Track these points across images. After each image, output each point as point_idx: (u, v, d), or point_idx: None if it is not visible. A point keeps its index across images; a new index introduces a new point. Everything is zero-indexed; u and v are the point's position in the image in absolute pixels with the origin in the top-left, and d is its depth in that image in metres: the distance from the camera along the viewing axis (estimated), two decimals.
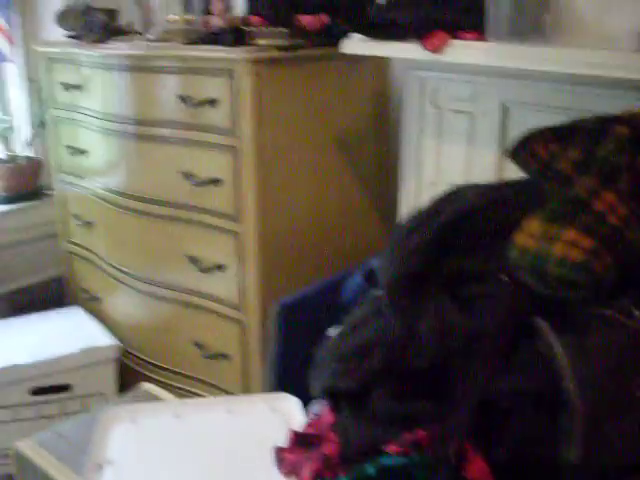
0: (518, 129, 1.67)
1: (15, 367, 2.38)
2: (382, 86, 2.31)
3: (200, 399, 1.73)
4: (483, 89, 1.77)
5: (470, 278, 1.12)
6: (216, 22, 2.36)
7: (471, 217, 1.13)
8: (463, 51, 1.58)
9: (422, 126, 1.93)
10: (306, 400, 1.46)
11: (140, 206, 2.37)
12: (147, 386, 1.98)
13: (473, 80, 1.78)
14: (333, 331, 1.66)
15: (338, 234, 2.27)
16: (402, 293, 1.12)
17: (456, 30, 1.61)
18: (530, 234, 1.06)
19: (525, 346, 1.05)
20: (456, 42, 1.59)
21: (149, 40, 2.31)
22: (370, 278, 1.56)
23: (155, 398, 1.89)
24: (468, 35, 1.60)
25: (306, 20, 1.97)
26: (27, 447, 1.75)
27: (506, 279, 1.09)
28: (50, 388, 2.45)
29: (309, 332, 1.81)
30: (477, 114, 1.80)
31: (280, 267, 2.14)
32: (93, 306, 2.83)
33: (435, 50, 1.60)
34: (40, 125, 3.01)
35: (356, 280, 1.74)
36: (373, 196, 2.35)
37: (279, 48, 1.97)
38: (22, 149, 3.13)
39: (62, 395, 2.46)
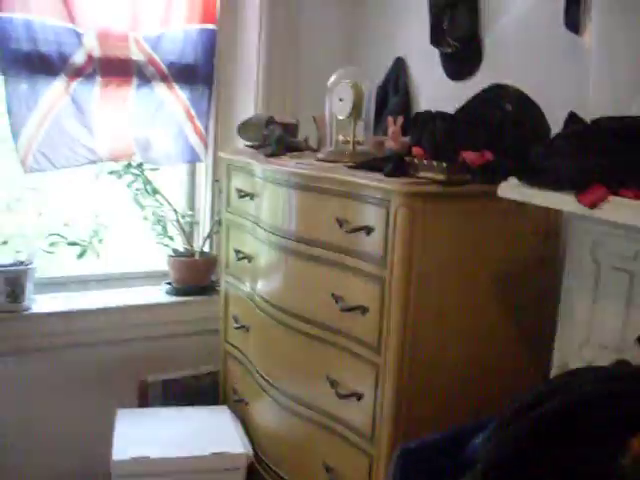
0: None
1: (147, 460, 2.43)
2: (547, 229, 2.17)
3: None
4: None
5: (573, 476, 1.00)
6: (389, 145, 2.37)
7: (581, 409, 1.01)
8: (621, 210, 1.46)
9: (579, 279, 1.80)
10: None
11: (289, 320, 2.38)
12: None
13: (638, 238, 1.64)
14: None
15: (481, 376, 2.12)
16: None
17: (617, 186, 1.50)
18: None
19: None
20: (615, 199, 1.48)
21: (318, 159, 2.35)
22: None
23: None
24: (629, 193, 1.48)
25: (469, 156, 1.91)
26: None
27: None
28: None
29: None
30: (639, 274, 1.66)
31: (417, 404, 2.03)
32: (240, 408, 2.86)
33: (590, 205, 1.50)
34: (217, 224, 3.13)
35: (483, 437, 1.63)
36: (524, 341, 2.20)
37: (437, 182, 1.92)
38: (200, 244, 3.25)
39: None
